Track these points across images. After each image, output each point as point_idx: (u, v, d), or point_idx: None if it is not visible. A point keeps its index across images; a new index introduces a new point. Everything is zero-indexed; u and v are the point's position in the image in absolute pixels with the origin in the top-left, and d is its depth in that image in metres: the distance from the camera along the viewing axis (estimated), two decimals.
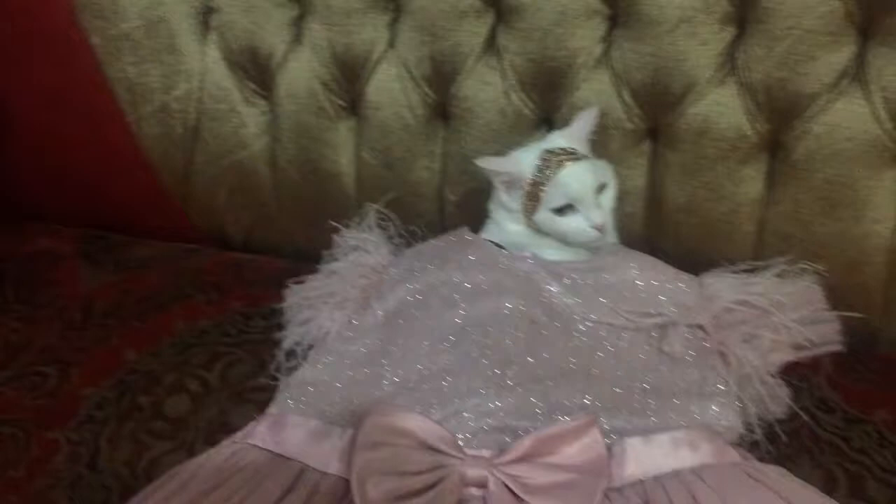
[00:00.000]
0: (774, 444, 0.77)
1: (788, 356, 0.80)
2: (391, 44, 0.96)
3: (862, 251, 0.87)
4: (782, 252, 0.85)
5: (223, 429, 0.85)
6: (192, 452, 0.83)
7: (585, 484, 0.65)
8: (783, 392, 0.79)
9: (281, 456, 0.72)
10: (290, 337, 0.89)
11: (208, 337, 1.00)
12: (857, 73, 0.80)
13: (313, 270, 0.98)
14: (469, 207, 1.00)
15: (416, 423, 0.70)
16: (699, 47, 0.83)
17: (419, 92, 0.97)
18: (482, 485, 0.67)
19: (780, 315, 0.79)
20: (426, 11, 0.92)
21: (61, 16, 1.08)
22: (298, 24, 0.99)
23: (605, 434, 0.70)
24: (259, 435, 0.75)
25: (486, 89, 0.93)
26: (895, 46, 0.78)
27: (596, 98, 0.89)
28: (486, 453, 0.69)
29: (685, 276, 0.86)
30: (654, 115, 0.89)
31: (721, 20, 0.82)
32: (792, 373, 0.82)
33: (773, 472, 0.67)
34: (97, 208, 1.23)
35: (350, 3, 0.94)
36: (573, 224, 0.85)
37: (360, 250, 0.94)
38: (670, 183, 0.91)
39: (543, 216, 0.86)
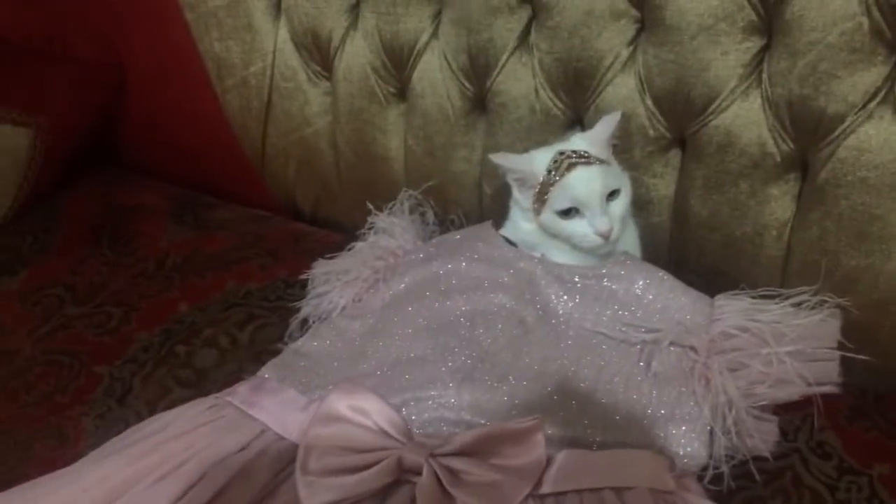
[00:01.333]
0: (748, 480, 0.74)
1: (779, 391, 0.75)
2: (435, 34, 0.98)
3: (893, 290, 0.80)
4: (809, 281, 0.79)
5: (236, 384, 0.94)
6: None
7: (511, 486, 0.66)
8: (769, 428, 0.75)
9: (249, 416, 0.78)
10: (306, 308, 0.95)
11: (251, 299, 1.09)
12: (887, 95, 0.73)
13: None
14: (505, 201, 1.01)
15: (373, 405, 0.73)
16: (721, 57, 0.79)
17: (457, 83, 0.98)
18: (418, 472, 0.69)
19: (773, 346, 0.75)
20: (464, 4, 0.93)
21: None
22: (355, 10, 1.04)
23: (551, 442, 0.70)
24: (239, 394, 0.81)
25: (518, 85, 0.93)
26: None
27: (620, 102, 0.87)
28: (434, 442, 0.72)
29: (694, 293, 0.82)
30: (678, 124, 0.86)
31: (744, 30, 0.77)
32: (798, 411, 0.78)
33: None
34: (193, 171, 1.35)
35: None
36: (578, 228, 0.84)
37: (386, 233, 0.99)
38: (694, 196, 0.87)
39: (549, 218, 0.85)
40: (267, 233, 1.22)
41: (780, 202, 0.83)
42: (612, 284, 0.84)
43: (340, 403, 0.74)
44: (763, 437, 0.74)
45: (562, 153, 0.84)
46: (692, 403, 0.75)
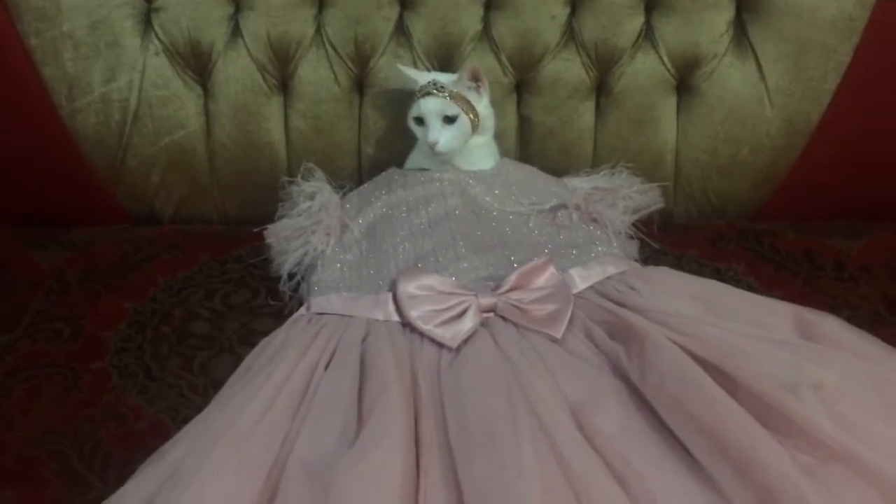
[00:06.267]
0: None
1: (634, 216, 1.20)
2: (318, 31, 1.24)
3: (659, 155, 1.31)
4: (611, 161, 1.27)
5: (254, 333, 1.07)
6: (234, 352, 1.04)
7: (560, 294, 1.00)
8: (635, 244, 1.19)
9: (345, 316, 0.98)
10: (289, 261, 1.12)
11: (193, 281, 1.19)
12: (647, 33, 1.25)
13: (247, 232, 1.19)
14: (380, 159, 1.30)
15: (433, 280, 1.01)
16: (550, 21, 1.23)
17: (345, 67, 1.25)
18: (492, 309, 0.99)
19: (623, 190, 1.21)
20: (350, 1, 1.22)
21: None
22: (236, 18, 1.23)
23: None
24: (317, 307, 1.00)
25: (399, 62, 1.24)
26: (670, 16, 1.24)
27: (482, 62, 1.24)
28: (489, 290, 1.01)
29: (553, 178, 1.25)
30: (523, 72, 1.27)
31: (562, 2, 1.23)
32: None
33: (664, 269, 1.08)
34: (23, 204, 1.32)
35: None
36: (422, 134, 1.16)
37: (319, 193, 1.20)
38: (536, 119, 1.29)
39: (410, 122, 1.18)
40: (149, 235, 1.30)
41: (591, 112, 1.29)
42: (509, 178, 1.21)
43: (409, 286, 1.00)
44: (632, 247, 1.19)
45: (429, 83, 1.16)
46: (597, 233, 1.15)
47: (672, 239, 1.26)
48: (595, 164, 1.30)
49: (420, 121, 1.16)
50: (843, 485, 0.74)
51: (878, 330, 1.01)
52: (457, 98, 1.14)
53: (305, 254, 1.12)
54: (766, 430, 0.77)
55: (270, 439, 0.79)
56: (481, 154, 1.22)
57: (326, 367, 0.89)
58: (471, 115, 1.15)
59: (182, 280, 1.19)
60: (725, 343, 0.87)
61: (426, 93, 1.15)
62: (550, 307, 0.98)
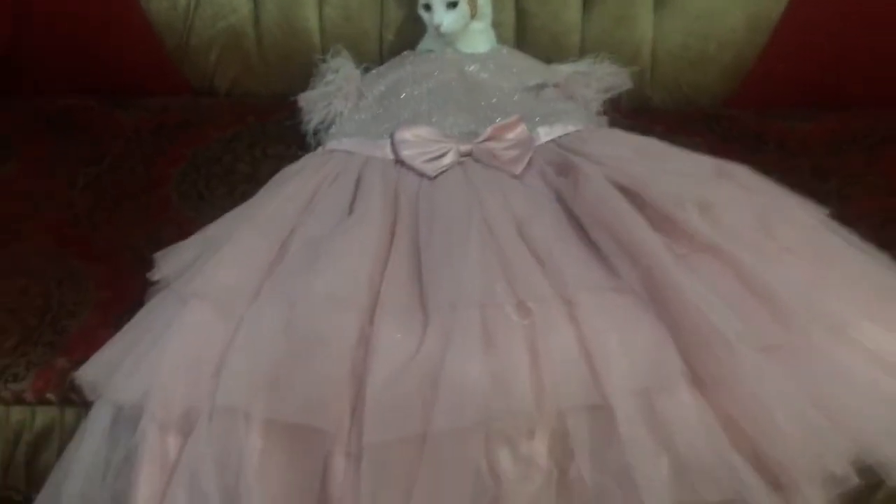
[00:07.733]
0: None
1: (607, 94, 1.42)
2: None
3: (638, 49, 1.52)
4: (596, 52, 1.48)
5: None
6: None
7: (525, 143, 1.24)
8: (605, 118, 1.41)
9: (352, 153, 1.24)
10: (315, 119, 1.38)
11: (241, 136, 1.46)
12: None
13: (287, 102, 1.45)
14: (399, 44, 1.54)
15: (424, 130, 1.25)
16: None
17: None
18: (469, 154, 1.23)
19: (598, 73, 1.43)
20: None
21: None
22: None
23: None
24: (330, 147, 1.26)
25: None
26: None
27: None
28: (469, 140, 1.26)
29: (542, 63, 1.47)
30: None
31: None
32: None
33: (615, 130, 1.31)
34: (108, 77, 1.61)
35: None
36: (428, 18, 1.39)
37: (342, 68, 1.45)
38: (531, 12, 1.51)
39: (420, 9, 1.41)
40: (209, 104, 1.57)
41: (578, 7, 1.51)
42: (502, 60, 1.43)
43: (406, 133, 1.24)
44: (602, 123, 1.40)
45: None
46: (571, 105, 1.37)
47: (642, 119, 1.47)
48: (582, 55, 1.52)
49: (427, 7, 1.39)
50: (706, 266, 0.98)
51: (801, 192, 1.22)
52: None
53: (328, 113, 1.37)
54: (657, 233, 1.01)
55: (282, 225, 1.07)
56: (480, 39, 1.44)
57: (330, 186, 1.16)
58: (469, 1, 1.38)
59: (232, 135, 1.46)
60: (642, 174, 1.10)
61: None
62: (515, 152, 1.22)
